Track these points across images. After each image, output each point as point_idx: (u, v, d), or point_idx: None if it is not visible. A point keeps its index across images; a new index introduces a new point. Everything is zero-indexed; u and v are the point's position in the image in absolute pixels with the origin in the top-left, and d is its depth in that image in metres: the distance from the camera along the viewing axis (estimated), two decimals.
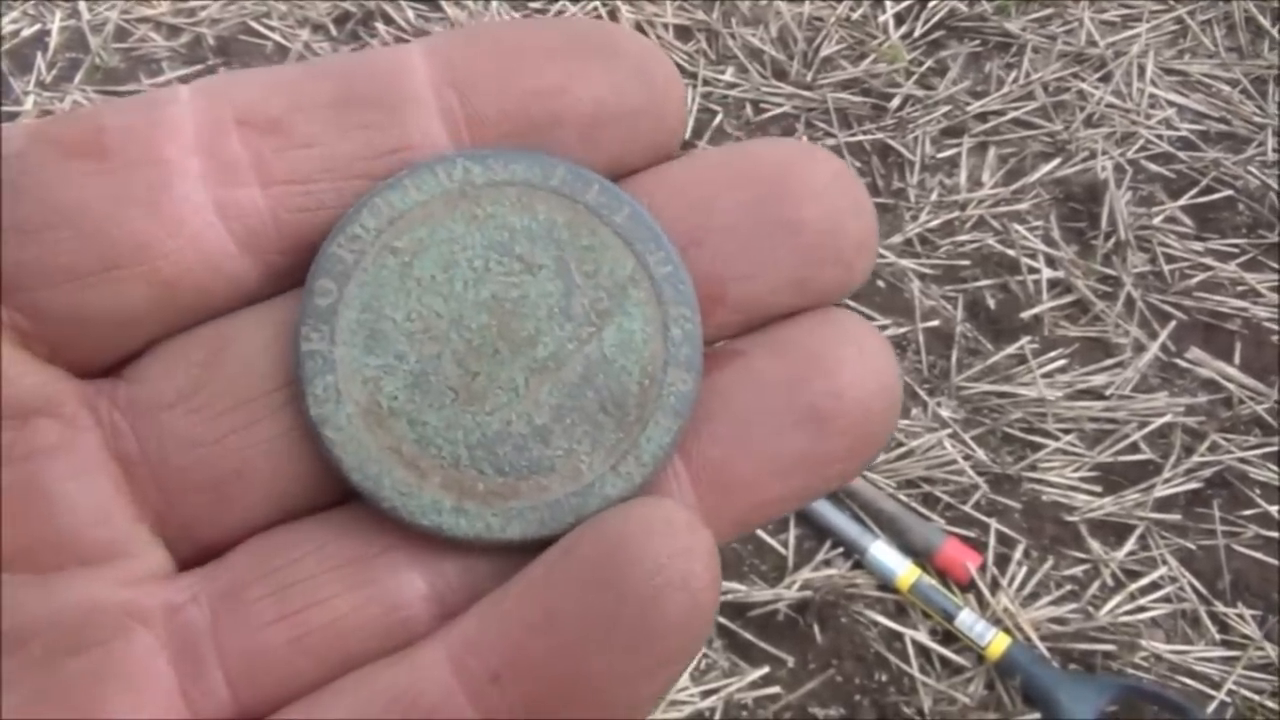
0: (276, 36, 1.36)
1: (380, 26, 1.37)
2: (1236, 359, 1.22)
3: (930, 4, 1.48)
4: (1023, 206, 1.32)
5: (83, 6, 1.35)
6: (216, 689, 0.16)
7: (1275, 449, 1.16)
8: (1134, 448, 1.14)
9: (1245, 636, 1.04)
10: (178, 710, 0.16)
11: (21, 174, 0.16)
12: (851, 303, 1.20)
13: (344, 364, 0.18)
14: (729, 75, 1.38)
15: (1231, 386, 1.20)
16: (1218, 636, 1.05)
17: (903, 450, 1.12)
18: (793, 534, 1.06)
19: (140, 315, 0.16)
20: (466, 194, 0.18)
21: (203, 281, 0.17)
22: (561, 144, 0.18)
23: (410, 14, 1.39)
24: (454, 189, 0.18)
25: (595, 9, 1.42)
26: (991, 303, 1.24)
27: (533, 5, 1.40)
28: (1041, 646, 1.02)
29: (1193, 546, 1.10)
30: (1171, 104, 1.45)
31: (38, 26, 1.33)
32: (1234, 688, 1.02)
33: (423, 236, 0.18)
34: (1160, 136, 1.41)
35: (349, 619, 0.17)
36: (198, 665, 0.16)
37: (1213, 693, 1.01)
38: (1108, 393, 1.18)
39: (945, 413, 1.15)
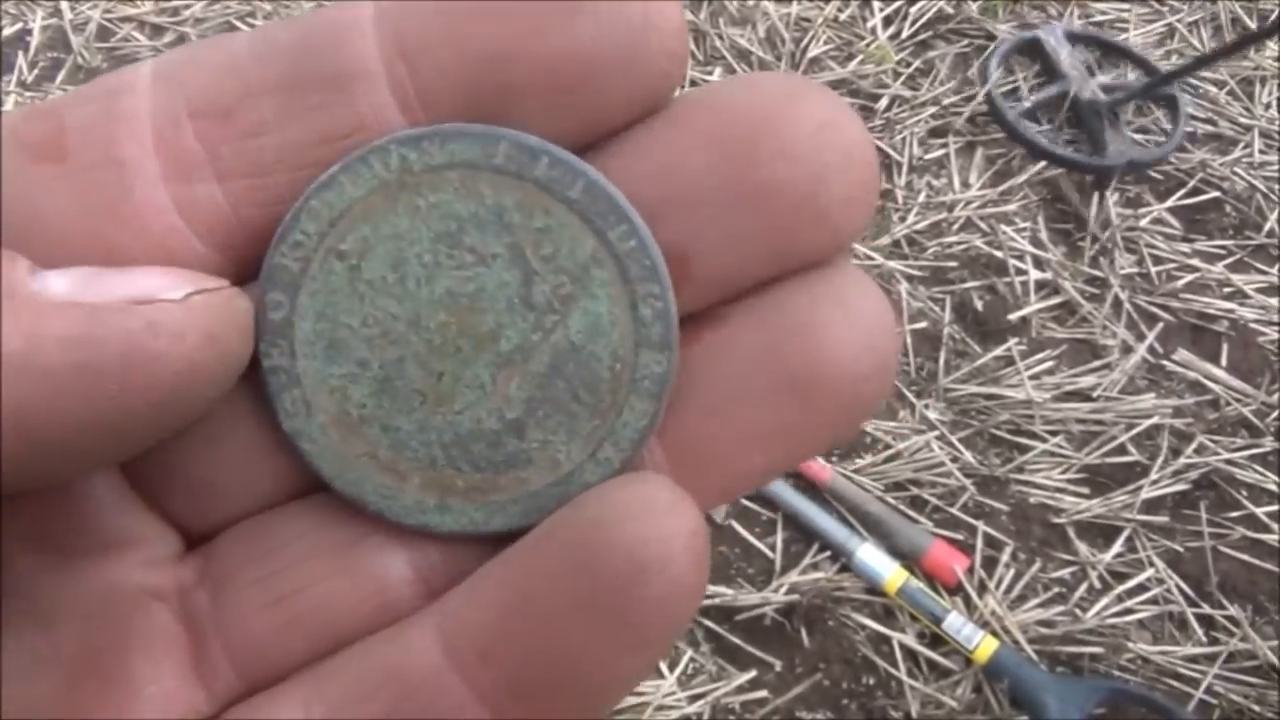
0: None
1: None
2: (1224, 360, 1.22)
3: (917, 5, 1.48)
4: (1010, 208, 1.32)
5: (65, 5, 1.34)
6: (220, 665, 0.17)
7: (1262, 450, 1.16)
8: (1121, 449, 1.14)
9: (1231, 635, 1.04)
10: (191, 680, 0.17)
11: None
12: None
13: (308, 376, 0.17)
14: (717, 76, 1.38)
15: (1218, 388, 1.20)
16: (1204, 638, 1.05)
17: (890, 452, 1.11)
18: (780, 537, 1.06)
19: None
20: (406, 184, 0.17)
21: None
22: (523, 110, 0.16)
23: None
24: (392, 180, 0.17)
25: None
26: (979, 304, 1.24)
27: None
28: (1029, 649, 1.02)
29: (1180, 548, 1.10)
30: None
31: (19, 25, 1.32)
32: (1220, 690, 1.01)
33: (366, 235, 0.17)
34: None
35: (337, 602, 0.17)
36: (204, 642, 0.17)
37: (1206, 698, 1.01)
38: (1095, 394, 1.18)
39: (933, 415, 1.15)
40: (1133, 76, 1.48)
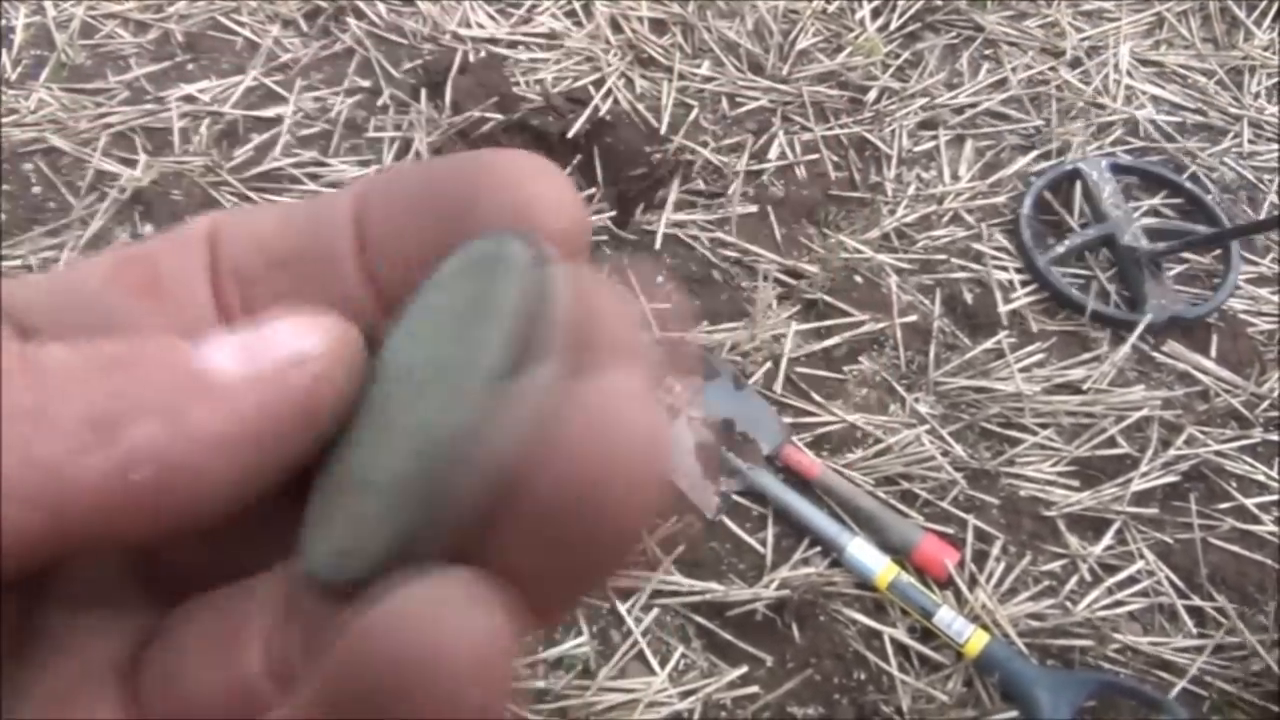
0: (246, 32, 1.34)
1: (351, 21, 1.35)
2: (1213, 352, 1.23)
3: None
4: (1000, 200, 1.32)
5: (48, 3, 1.33)
6: None
7: (1252, 442, 1.16)
8: (1111, 442, 1.14)
9: (1220, 626, 1.05)
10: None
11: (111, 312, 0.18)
12: (829, 298, 1.20)
13: None
14: (705, 69, 1.37)
15: (1208, 379, 1.20)
16: (1194, 629, 1.05)
17: (880, 446, 1.11)
18: (770, 532, 1.06)
19: None
20: None
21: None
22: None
23: (382, 8, 1.37)
24: None
25: (571, 6, 1.41)
26: (969, 297, 1.23)
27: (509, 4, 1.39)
28: (1019, 643, 1.02)
29: (1170, 540, 1.10)
30: (1146, 93, 1.45)
31: (1, 23, 1.31)
32: (1210, 680, 1.02)
33: None
34: (1136, 129, 1.41)
35: (204, 699, 0.17)
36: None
37: (1196, 689, 1.01)
38: (1085, 387, 1.18)
39: (923, 408, 1.15)
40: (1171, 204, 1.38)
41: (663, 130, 1.30)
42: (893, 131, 1.36)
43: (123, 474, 0.15)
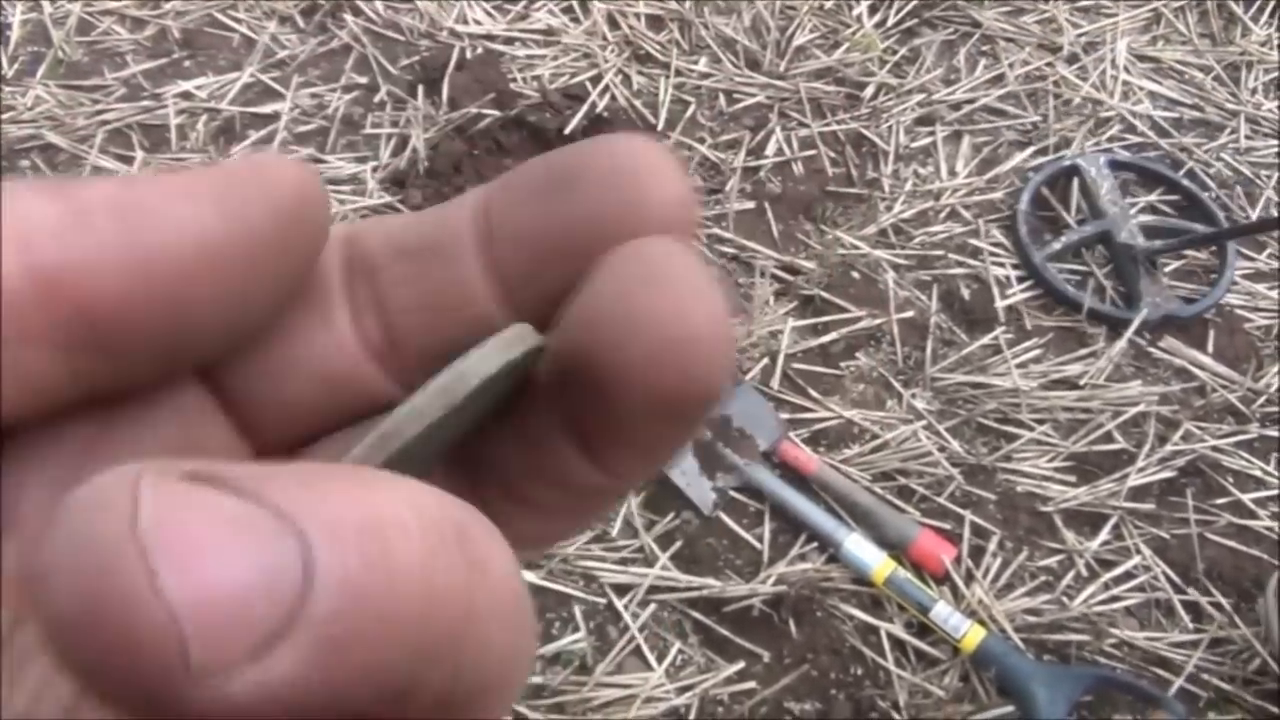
0: (243, 29, 1.34)
1: (349, 18, 1.35)
2: (1210, 347, 1.23)
3: None
4: (997, 195, 1.32)
5: (45, 0, 1.33)
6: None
7: (1248, 437, 1.16)
8: (1108, 437, 1.14)
9: (1215, 622, 1.05)
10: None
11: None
12: (826, 294, 1.20)
13: None
14: (702, 65, 1.37)
15: (1205, 375, 1.20)
16: (1191, 625, 1.05)
17: (877, 442, 1.11)
18: (767, 528, 1.06)
19: (311, 404, 0.20)
20: None
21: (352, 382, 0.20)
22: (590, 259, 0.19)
23: (380, 5, 1.37)
24: None
25: (568, 2, 1.40)
26: (965, 293, 1.24)
27: (506, 4, 1.39)
28: (1016, 638, 1.02)
29: (1166, 535, 1.10)
30: (1143, 89, 1.45)
31: None
32: (1206, 676, 1.02)
33: None
34: (1134, 125, 1.41)
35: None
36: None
37: (1192, 688, 1.01)
38: (1082, 382, 1.18)
39: (920, 404, 1.15)
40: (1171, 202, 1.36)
41: (660, 126, 1.30)
42: (890, 127, 1.36)
43: (83, 219, 0.15)
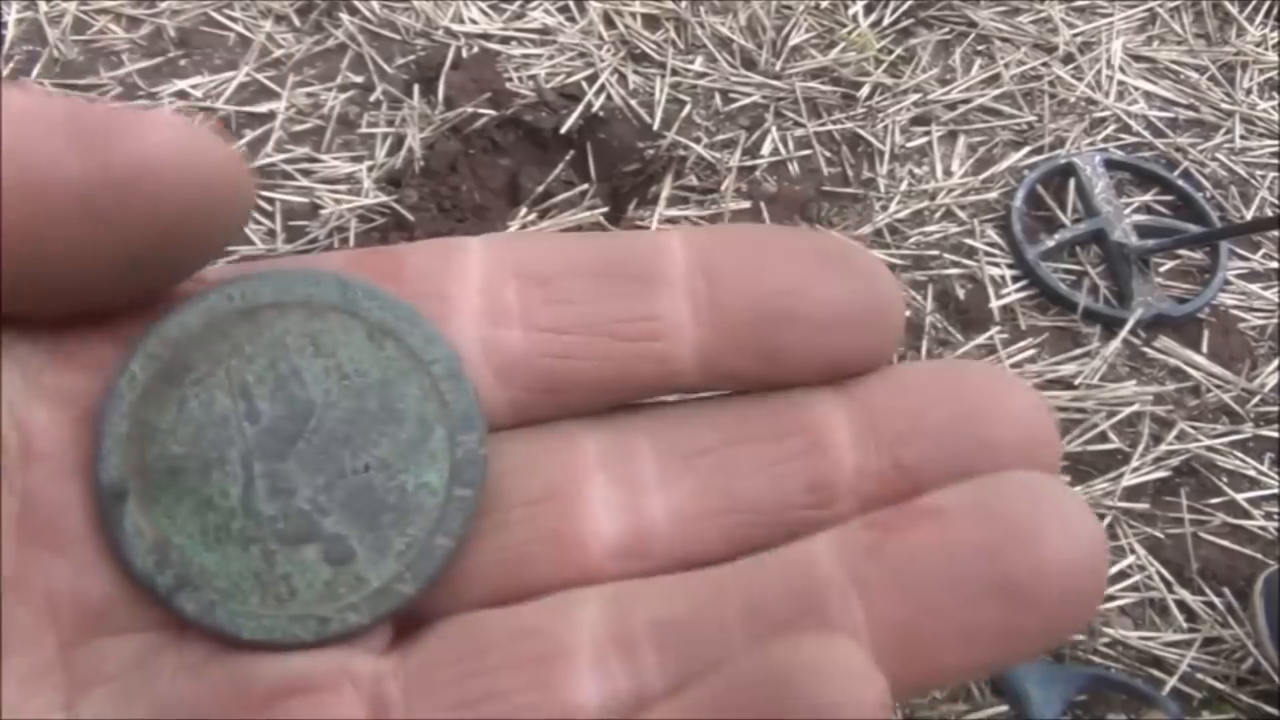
0: (239, 28, 1.34)
1: (344, 17, 1.35)
2: (1204, 347, 1.23)
3: None
4: (992, 195, 1.32)
5: None
6: None
7: (1243, 437, 1.16)
8: (1102, 437, 1.14)
9: (1208, 621, 1.05)
10: None
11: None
12: None
13: None
14: (698, 65, 1.37)
15: (1199, 375, 1.20)
16: (1185, 624, 1.05)
17: None
18: None
19: None
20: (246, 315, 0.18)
21: None
22: (793, 338, 0.19)
23: (375, 4, 1.37)
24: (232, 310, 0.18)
25: (564, 1, 1.41)
26: (961, 293, 1.24)
27: (503, 2, 1.39)
28: None
29: (1161, 535, 1.10)
30: (1139, 89, 1.45)
31: None
32: (1200, 677, 1.02)
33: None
34: (1130, 125, 1.41)
35: (526, 716, 0.17)
36: None
37: (1186, 688, 1.02)
38: (1076, 382, 1.18)
39: None
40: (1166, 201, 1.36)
41: (656, 126, 1.30)
42: (885, 127, 1.36)
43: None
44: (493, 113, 1.25)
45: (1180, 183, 1.34)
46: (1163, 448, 1.14)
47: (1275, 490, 1.13)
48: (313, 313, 0.18)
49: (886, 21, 1.46)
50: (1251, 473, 1.14)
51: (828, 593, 0.17)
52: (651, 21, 1.41)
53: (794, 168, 1.31)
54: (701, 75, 1.37)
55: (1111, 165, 1.35)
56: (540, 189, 1.21)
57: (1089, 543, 0.17)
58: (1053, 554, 0.17)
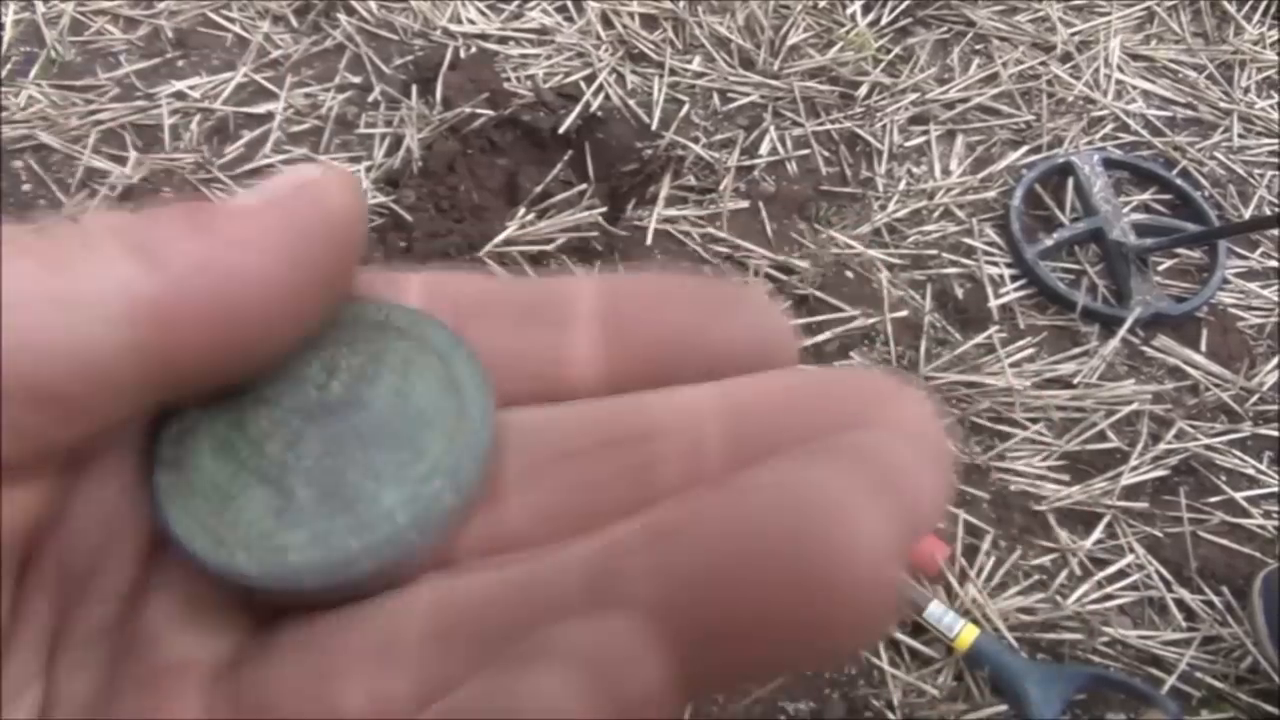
0: (236, 29, 1.34)
1: (342, 17, 1.35)
2: (1203, 346, 1.23)
3: None
4: (990, 195, 1.32)
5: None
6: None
7: (1241, 436, 1.17)
8: (1101, 436, 1.14)
9: (1205, 619, 1.05)
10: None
11: None
12: (819, 293, 1.20)
13: None
14: (696, 64, 1.37)
15: (1198, 374, 1.20)
16: (1184, 623, 1.05)
17: None
18: None
19: None
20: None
21: None
22: (689, 373, 0.20)
23: (373, 4, 1.37)
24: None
25: (562, 1, 1.41)
26: (959, 292, 1.24)
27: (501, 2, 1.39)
28: (1010, 637, 1.02)
29: (1160, 534, 1.10)
30: (1137, 88, 1.45)
31: None
32: (1199, 675, 1.02)
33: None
34: (1128, 124, 1.41)
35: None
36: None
37: (1185, 687, 1.02)
38: (1075, 381, 1.18)
39: None
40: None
41: (654, 126, 1.30)
42: (884, 127, 1.36)
43: (181, 285, 0.17)
44: (491, 113, 1.25)
45: (1178, 181, 1.34)
46: (1161, 447, 1.14)
47: (1274, 489, 1.14)
48: (420, 348, 0.20)
49: (884, 21, 1.46)
50: (1250, 471, 1.14)
51: (615, 580, 0.16)
52: (649, 21, 1.41)
53: (792, 167, 1.31)
54: (700, 75, 1.36)
55: (1110, 164, 1.35)
56: (538, 189, 1.21)
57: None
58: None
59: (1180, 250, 1.30)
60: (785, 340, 0.20)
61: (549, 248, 1.19)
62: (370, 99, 1.29)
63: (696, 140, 1.30)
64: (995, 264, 1.26)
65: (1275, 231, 1.32)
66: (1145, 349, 1.22)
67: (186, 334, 0.17)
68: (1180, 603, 1.06)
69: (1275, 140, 1.42)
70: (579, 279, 0.21)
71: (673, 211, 1.24)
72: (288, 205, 0.18)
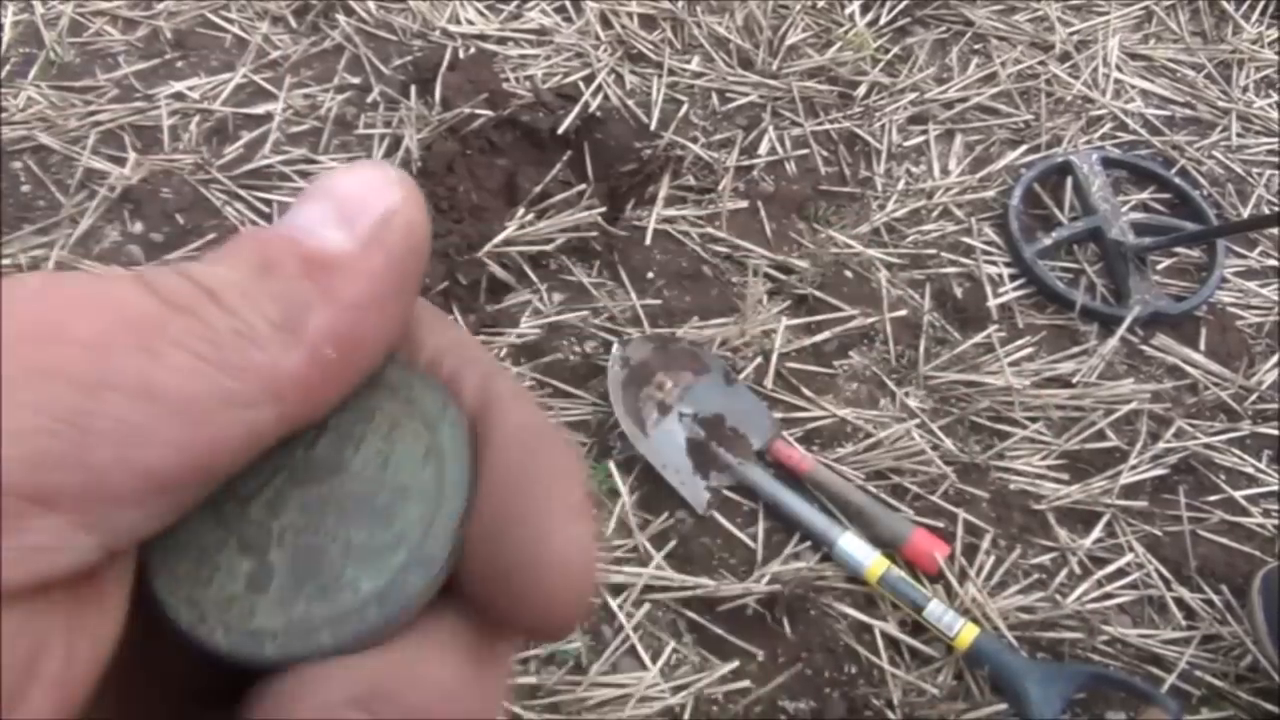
0: (235, 29, 1.34)
1: (341, 18, 1.35)
2: (1202, 345, 1.23)
3: None
4: (989, 194, 1.32)
5: (36, 1, 1.33)
6: None
7: (1240, 434, 1.17)
8: (1100, 435, 1.14)
9: (1205, 618, 1.05)
10: None
11: None
12: (819, 293, 1.20)
13: None
14: (695, 64, 1.37)
15: (1197, 373, 1.20)
16: (1183, 621, 1.05)
17: (871, 441, 1.11)
18: (761, 527, 1.06)
19: None
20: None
21: None
22: None
23: (372, 5, 1.37)
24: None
25: (560, 2, 1.41)
26: (958, 291, 1.24)
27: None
28: (1009, 635, 1.02)
29: (1159, 533, 1.10)
30: (1135, 87, 1.45)
31: None
32: (1199, 674, 1.02)
33: None
34: (1126, 123, 1.41)
35: None
36: None
37: (1184, 685, 1.02)
38: (1074, 380, 1.18)
39: (913, 402, 1.15)
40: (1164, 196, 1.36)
41: (653, 126, 1.30)
42: (882, 126, 1.36)
43: (316, 357, 0.18)
44: (490, 113, 1.25)
45: (1177, 180, 1.35)
46: (1161, 445, 1.14)
47: (1273, 487, 1.14)
48: (408, 411, 0.20)
49: (883, 21, 1.46)
50: (1249, 470, 1.15)
51: None
52: (648, 21, 1.41)
53: (791, 167, 1.31)
54: (698, 75, 1.37)
55: (1108, 163, 1.35)
56: (538, 189, 1.21)
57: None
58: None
59: (1179, 249, 1.30)
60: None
61: (548, 248, 1.19)
62: (369, 99, 1.29)
63: (695, 140, 1.30)
64: (994, 263, 1.26)
65: (1274, 230, 1.32)
66: (1144, 348, 1.22)
67: (318, 397, 0.18)
68: (1180, 601, 1.07)
69: (1273, 139, 1.42)
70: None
71: (672, 211, 1.24)
72: (386, 244, 0.19)
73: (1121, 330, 1.20)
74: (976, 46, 1.47)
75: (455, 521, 0.19)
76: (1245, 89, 1.47)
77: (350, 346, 0.18)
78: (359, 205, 0.19)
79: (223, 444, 0.17)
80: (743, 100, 1.35)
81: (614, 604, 1.01)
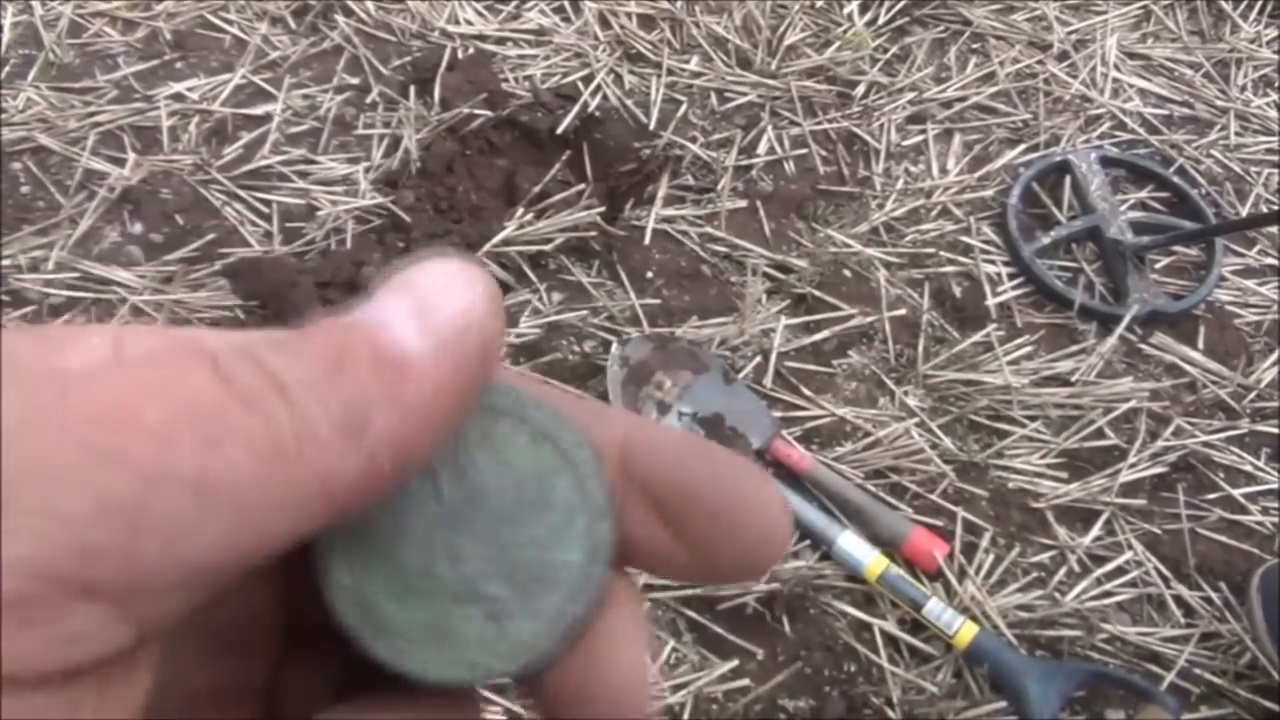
0: (234, 30, 1.34)
1: (340, 19, 1.35)
2: (1200, 343, 1.23)
3: None
4: (988, 193, 1.32)
5: (36, 2, 1.33)
6: None
7: (1239, 432, 1.17)
8: (1099, 433, 1.15)
9: (1204, 616, 1.05)
10: None
11: None
12: (817, 292, 1.20)
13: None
14: (693, 64, 1.37)
15: (1195, 371, 1.20)
16: (1182, 619, 1.06)
17: (870, 440, 1.12)
18: None
19: None
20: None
21: None
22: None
23: (371, 5, 1.37)
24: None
25: (559, 2, 1.41)
26: (957, 290, 1.24)
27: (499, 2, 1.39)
28: (1009, 634, 1.02)
29: (1158, 531, 1.10)
30: (1134, 86, 1.45)
31: None
32: (1198, 672, 1.02)
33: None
34: (1125, 122, 1.41)
35: None
36: None
37: (1184, 683, 1.02)
38: (1073, 379, 1.18)
39: (912, 401, 1.15)
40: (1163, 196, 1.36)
41: (652, 126, 1.30)
42: (881, 126, 1.36)
43: (372, 462, 0.18)
44: (489, 113, 1.25)
45: (1176, 179, 1.35)
46: (1159, 444, 1.14)
47: (1272, 485, 1.14)
48: (491, 416, 0.21)
49: (881, 20, 1.46)
50: (1248, 468, 1.15)
51: None
52: (647, 21, 1.41)
53: (790, 166, 1.31)
54: (697, 75, 1.37)
55: (1107, 162, 1.35)
56: (537, 189, 1.21)
57: None
58: None
59: (1177, 248, 1.30)
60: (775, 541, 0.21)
61: (547, 248, 1.19)
62: (368, 100, 1.30)
63: (694, 140, 1.30)
64: (993, 262, 1.26)
65: (1272, 229, 1.32)
66: (1143, 346, 1.22)
67: (367, 499, 0.18)
68: (1179, 599, 1.07)
69: (1272, 138, 1.42)
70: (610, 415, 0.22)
71: (671, 211, 1.25)
72: (458, 352, 0.19)
73: (1120, 329, 1.21)
74: (975, 46, 1.47)
75: (602, 474, 0.21)
76: (1243, 88, 1.47)
77: (405, 455, 0.18)
78: (437, 305, 0.19)
79: (269, 539, 0.17)
80: (741, 100, 1.35)
81: None
